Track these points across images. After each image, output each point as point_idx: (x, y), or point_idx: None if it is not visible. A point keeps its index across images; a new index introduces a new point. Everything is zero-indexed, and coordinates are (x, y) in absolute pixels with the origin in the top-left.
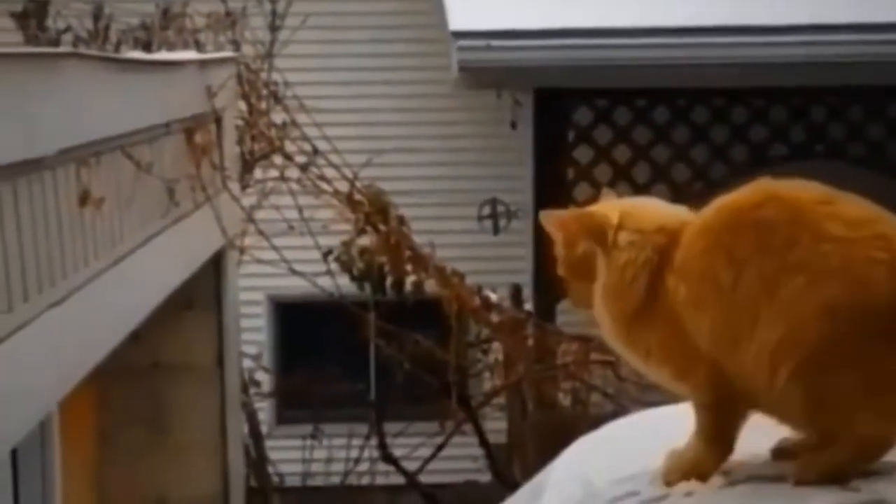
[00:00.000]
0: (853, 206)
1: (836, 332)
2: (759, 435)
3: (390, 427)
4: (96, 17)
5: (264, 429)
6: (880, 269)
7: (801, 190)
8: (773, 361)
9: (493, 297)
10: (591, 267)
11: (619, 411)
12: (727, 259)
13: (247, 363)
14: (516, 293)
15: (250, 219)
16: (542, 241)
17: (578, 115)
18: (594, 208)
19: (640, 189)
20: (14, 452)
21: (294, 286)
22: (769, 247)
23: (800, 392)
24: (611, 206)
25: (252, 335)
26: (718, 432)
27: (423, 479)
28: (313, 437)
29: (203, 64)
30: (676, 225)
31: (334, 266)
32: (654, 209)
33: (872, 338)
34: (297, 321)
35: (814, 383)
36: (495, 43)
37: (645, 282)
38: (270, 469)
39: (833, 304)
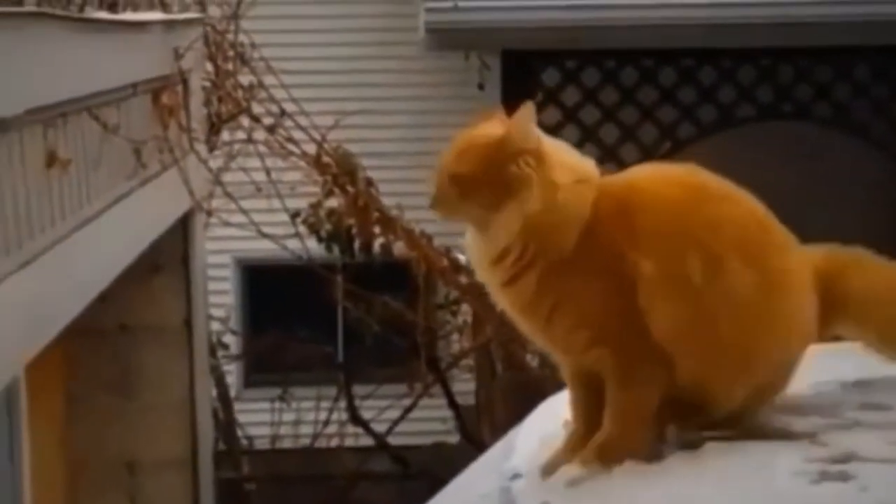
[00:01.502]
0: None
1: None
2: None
3: (359, 389)
4: None
5: (233, 392)
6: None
7: (725, 184)
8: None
9: (462, 258)
10: (502, 193)
11: None
12: (703, 257)
13: (215, 326)
14: None
15: (218, 181)
16: None
17: (546, 77)
18: (516, 132)
19: (608, 150)
20: None
21: (262, 249)
22: (747, 248)
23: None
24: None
25: (220, 298)
26: (649, 412)
27: (393, 440)
28: (282, 399)
29: (169, 25)
30: (596, 178)
31: (302, 228)
32: (568, 152)
33: None
34: (265, 284)
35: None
36: (463, 4)
37: (576, 235)
38: (239, 432)
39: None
